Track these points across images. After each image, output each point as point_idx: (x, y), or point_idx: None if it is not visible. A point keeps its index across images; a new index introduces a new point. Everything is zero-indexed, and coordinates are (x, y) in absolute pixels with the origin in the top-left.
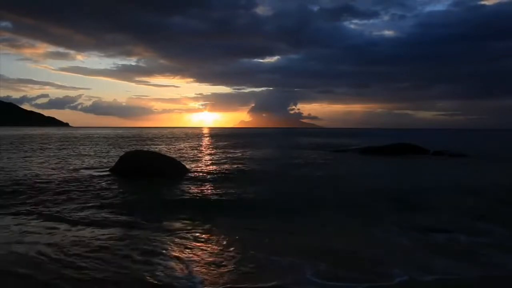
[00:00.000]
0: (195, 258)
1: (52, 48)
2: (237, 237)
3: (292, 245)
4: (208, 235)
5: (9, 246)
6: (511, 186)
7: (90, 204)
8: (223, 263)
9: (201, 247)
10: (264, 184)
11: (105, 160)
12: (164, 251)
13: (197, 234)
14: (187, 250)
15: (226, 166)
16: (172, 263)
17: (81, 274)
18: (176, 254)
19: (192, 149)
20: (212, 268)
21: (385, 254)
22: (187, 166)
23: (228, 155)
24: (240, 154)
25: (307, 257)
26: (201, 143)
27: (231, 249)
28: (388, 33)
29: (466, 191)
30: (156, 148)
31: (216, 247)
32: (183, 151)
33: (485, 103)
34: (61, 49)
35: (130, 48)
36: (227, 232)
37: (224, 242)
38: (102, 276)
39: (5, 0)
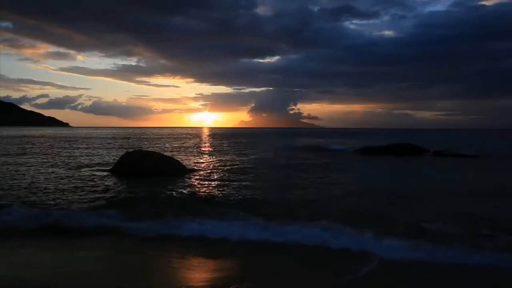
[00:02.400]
0: (196, 260)
1: (52, 48)
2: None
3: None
4: (208, 237)
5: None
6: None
7: (88, 206)
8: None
9: (200, 249)
10: (264, 187)
11: (104, 160)
12: (164, 254)
13: (197, 236)
14: (187, 253)
15: (225, 166)
16: (174, 268)
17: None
18: (179, 258)
19: (192, 149)
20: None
21: None
22: (187, 166)
23: (227, 155)
24: (239, 154)
25: None
26: (200, 143)
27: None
28: (388, 33)
29: (466, 192)
30: (155, 148)
31: (216, 251)
32: (183, 151)
33: (485, 103)
34: (61, 49)
35: (131, 48)
36: (225, 236)
37: (224, 247)
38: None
39: (6, 0)
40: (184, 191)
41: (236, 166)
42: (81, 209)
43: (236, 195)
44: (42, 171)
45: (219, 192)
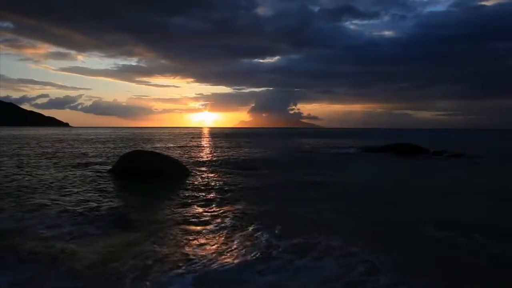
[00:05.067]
0: (194, 265)
1: (53, 49)
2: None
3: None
4: (207, 242)
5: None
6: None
7: (86, 208)
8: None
9: (199, 254)
10: (267, 189)
11: (104, 161)
12: (160, 258)
13: (197, 241)
14: (184, 259)
15: (226, 167)
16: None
17: None
18: (173, 262)
19: (192, 149)
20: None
21: None
22: (187, 167)
23: (228, 155)
24: (239, 154)
25: None
26: (201, 143)
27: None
28: (388, 33)
29: (466, 193)
30: (155, 148)
31: (215, 257)
32: (183, 151)
33: (485, 103)
34: (62, 50)
35: (131, 49)
36: (228, 241)
37: (224, 252)
38: None
39: (7, 1)
40: (185, 194)
41: (238, 167)
42: (75, 212)
43: (240, 199)
44: (38, 171)
45: (222, 196)
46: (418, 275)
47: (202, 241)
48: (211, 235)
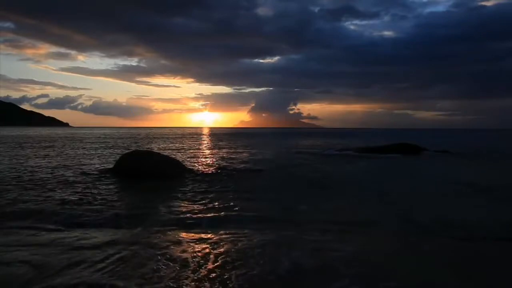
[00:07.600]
0: (193, 271)
1: (53, 49)
2: (240, 249)
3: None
4: (208, 244)
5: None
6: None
7: (83, 209)
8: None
9: (199, 257)
10: (267, 189)
11: (103, 161)
12: (158, 263)
13: (196, 243)
14: (183, 263)
15: (227, 167)
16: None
17: None
18: (172, 268)
19: (193, 149)
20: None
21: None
22: (188, 167)
23: (228, 155)
24: (238, 155)
25: None
26: (201, 143)
27: (233, 264)
28: (388, 33)
29: (465, 192)
30: (156, 148)
31: (217, 260)
32: (183, 151)
33: (485, 103)
34: (62, 50)
35: (131, 49)
36: (229, 243)
37: (228, 257)
38: None
39: (8, 1)
40: (186, 194)
41: (236, 167)
42: (69, 212)
43: (235, 202)
44: (38, 172)
45: (218, 200)
46: (411, 275)
47: (190, 250)
48: (201, 238)
